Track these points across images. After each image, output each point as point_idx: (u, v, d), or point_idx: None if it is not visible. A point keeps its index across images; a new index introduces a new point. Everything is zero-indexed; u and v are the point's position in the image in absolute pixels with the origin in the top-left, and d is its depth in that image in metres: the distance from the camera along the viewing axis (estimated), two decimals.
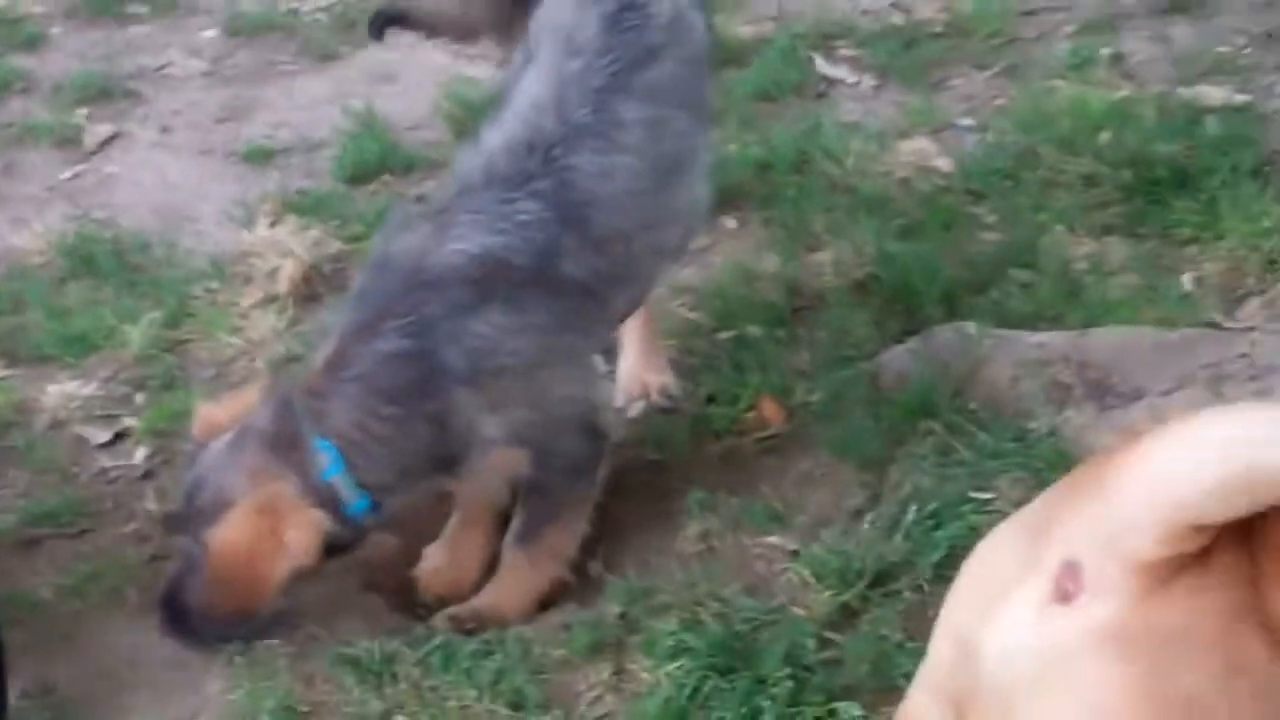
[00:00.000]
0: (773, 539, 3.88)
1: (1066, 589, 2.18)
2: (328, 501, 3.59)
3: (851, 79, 5.56)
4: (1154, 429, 2.14)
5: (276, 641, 3.74)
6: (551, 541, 3.88)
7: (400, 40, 5.86)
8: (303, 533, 3.54)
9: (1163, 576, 2.12)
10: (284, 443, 3.59)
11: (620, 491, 3.94)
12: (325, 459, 3.57)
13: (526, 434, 3.75)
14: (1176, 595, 2.13)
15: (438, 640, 3.69)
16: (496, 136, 3.85)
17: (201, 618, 3.63)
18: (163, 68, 5.97)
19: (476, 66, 5.78)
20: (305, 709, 3.59)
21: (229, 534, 3.52)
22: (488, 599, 3.82)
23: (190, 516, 3.61)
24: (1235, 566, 2.14)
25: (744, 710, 3.40)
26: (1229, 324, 4.37)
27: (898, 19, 5.82)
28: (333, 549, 3.62)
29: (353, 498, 3.60)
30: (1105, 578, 2.15)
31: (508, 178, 3.74)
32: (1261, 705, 2.17)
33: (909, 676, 3.43)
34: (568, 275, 3.76)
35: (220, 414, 3.72)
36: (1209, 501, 2.05)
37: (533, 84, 3.90)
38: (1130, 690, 2.16)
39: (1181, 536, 2.08)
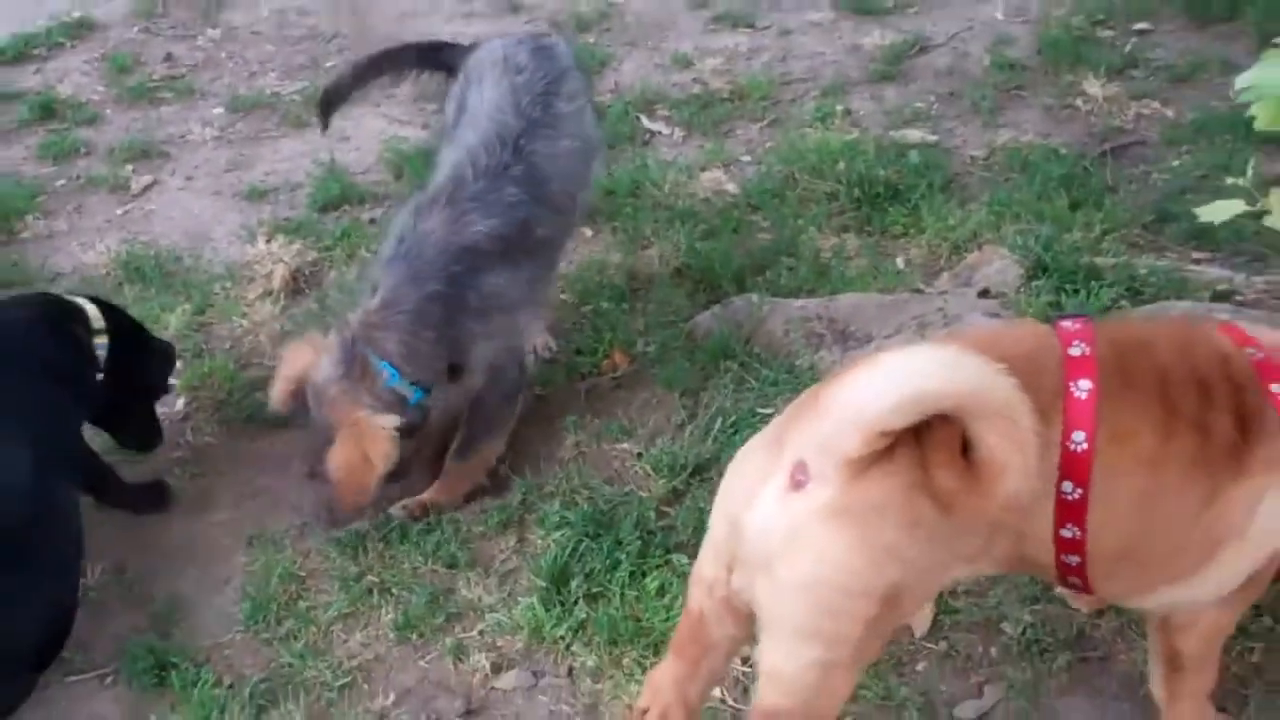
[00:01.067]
0: (624, 445, 3.91)
1: (799, 480, 2.29)
2: (393, 403, 3.58)
3: (666, 131, 5.58)
4: (854, 364, 2.26)
5: (282, 528, 3.73)
6: (483, 453, 3.85)
7: (351, 112, 5.86)
8: (381, 444, 3.52)
9: (863, 467, 2.24)
10: (355, 373, 3.57)
11: (520, 417, 3.92)
12: (385, 374, 3.56)
13: (495, 360, 3.76)
14: (873, 479, 2.25)
15: (395, 524, 3.69)
16: (472, 135, 3.87)
17: (332, 512, 3.64)
18: (185, 135, 5.89)
19: (407, 129, 5.76)
20: (303, 574, 3.59)
21: (336, 460, 3.51)
22: (432, 494, 3.79)
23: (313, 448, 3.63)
24: (911, 457, 2.25)
25: (608, 561, 3.43)
26: (928, 290, 4.42)
27: (697, 89, 5.82)
28: (410, 430, 3.63)
29: (410, 393, 3.60)
30: (824, 471, 2.27)
31: (489, 169, 3.76)
32: (935, 546, 2.35)
33: None
34: (539, 237, 3.83)
35: (305, 350, 3.70)
36: (892, 414, 2.18)
37: (490, 93, 3.96)
38: (847, 545, 2.29)
39: (873, 439, 2.20)
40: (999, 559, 2.55)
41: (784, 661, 2.41)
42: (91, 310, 3.70)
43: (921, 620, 3.27)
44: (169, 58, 6.61)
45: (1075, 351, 2.45)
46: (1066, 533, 2.45)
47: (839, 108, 5.57)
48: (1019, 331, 2.80)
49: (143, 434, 3.93)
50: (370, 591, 3.50)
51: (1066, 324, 2.54)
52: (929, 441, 2.24)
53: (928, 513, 2.29)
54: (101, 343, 3.66)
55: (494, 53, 4.11)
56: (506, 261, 3.71)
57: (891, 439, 2.20)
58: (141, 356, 3.82)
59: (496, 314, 3.71)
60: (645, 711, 2.75)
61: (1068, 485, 2.40)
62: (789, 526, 2.30)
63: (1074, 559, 2.50)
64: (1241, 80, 2.91)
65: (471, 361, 3.69)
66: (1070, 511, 2.42)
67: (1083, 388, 2.40)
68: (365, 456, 3.52)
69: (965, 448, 2.22)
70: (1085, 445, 2.38)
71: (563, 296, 4.52)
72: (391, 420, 3.55)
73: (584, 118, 4.10)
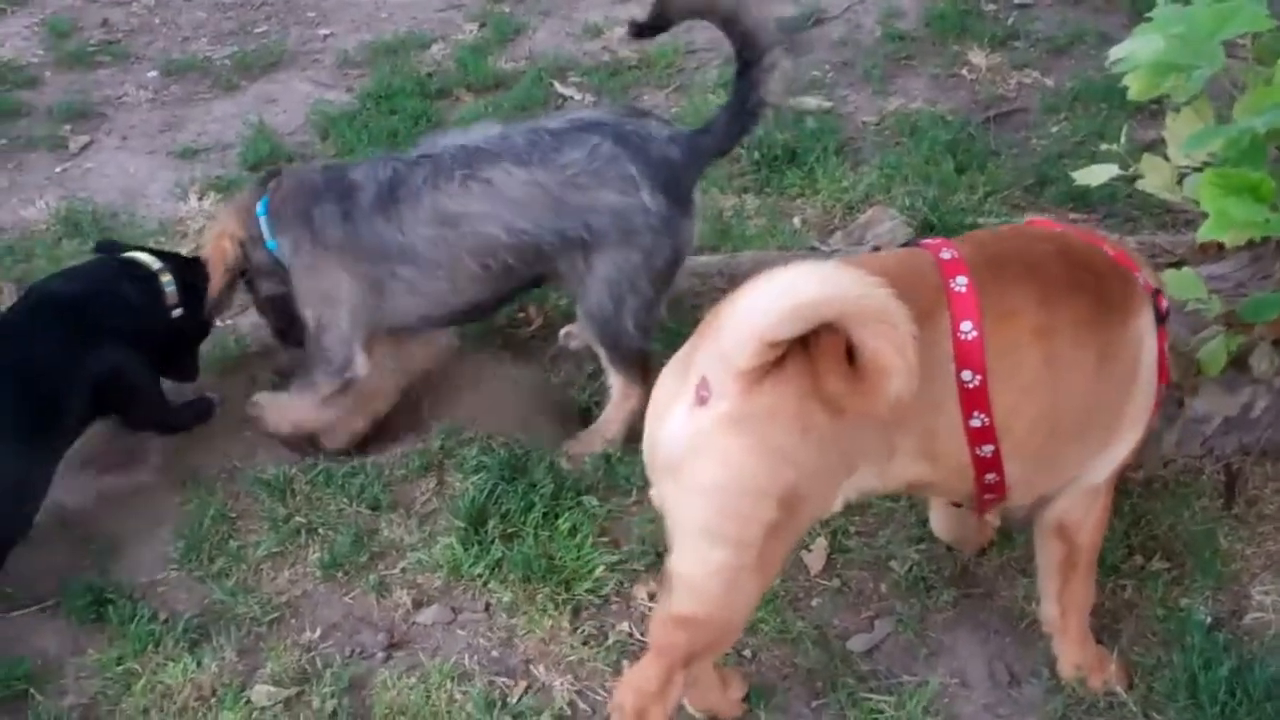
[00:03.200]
0: None
1: (703, 396, 2.33)
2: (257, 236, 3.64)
3: (578, 96, 5.51)
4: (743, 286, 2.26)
5: (214, 472, 3.66)
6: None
7: (278, 76, 5.78)
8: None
9: (757, 378, 2.27)
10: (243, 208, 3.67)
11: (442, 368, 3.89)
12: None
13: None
14: (766, 389, 2.28)
15: (320, 467, 3.63)
16: None
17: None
18: (121, 97, 5.76)
19: (333, 92, 5.66)
20: (234, 515, 3.54)
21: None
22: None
23: None
24: (801, 366, 2.28)
25: (522, 504, 3.41)
26: (823, 247, 4.41)
27: (606, 57, 5.75)
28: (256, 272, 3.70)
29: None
30: (722, 384, 2.30)
31: None
32: (827, 450, 2.39)
33: (628, 478, 3.48)
34: None
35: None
36: (777, 325, 2.20)
37: None
38: (745, 449, 2.33)
39: (764, 351, 2.23)
40: (909, 471, 2.57)
41: (692, 566, 2.43)
42: (144, 257, 3.77)
43: (816, 557, 3.27)
44: (105, 23, 6.45)
45: (946, 255, 2.53)
46: (975, 422, 2.50)
47: None
48: (891, 252, 2.84)
49: (188, 368, 3.89)
50: (298, 532, 3.45)
51: (929, 241, 2.63)
52: (816, 351, 2.26)
53: (819, 418, 2.32)
54: (168, 281, 3.71)
55: None
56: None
57: (781, 350, 2.23)
58: (202, 293, 3.76)
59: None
60: None
61: (967, 374, 2.45)
62: (692, 437, 2.34)
63: (988, 449, 2.53)
64: (1115, 51, 2.92)
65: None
66: (974, 399, 2.47)
67: (960, 283, 2.48)
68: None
69: (851, 356, 2.24)
70: (974, 332, 2.45)
71: None
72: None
73: None
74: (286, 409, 3.71)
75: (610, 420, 3.65)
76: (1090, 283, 2.58)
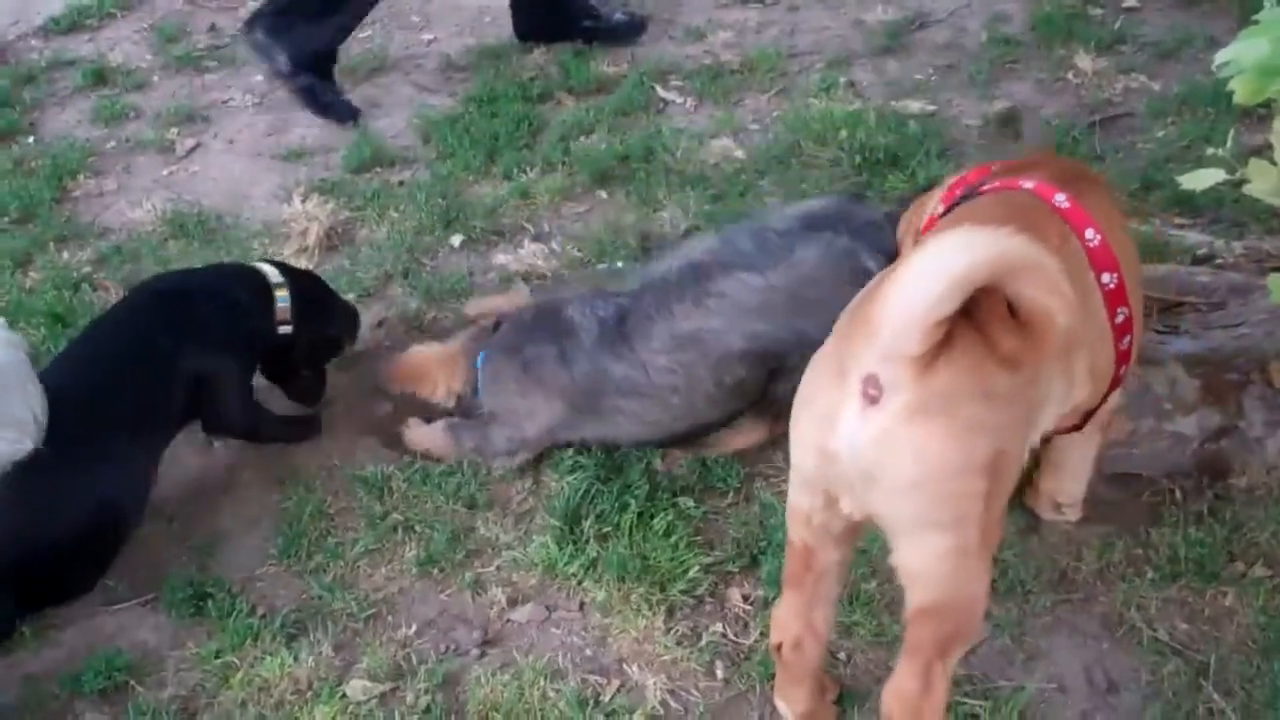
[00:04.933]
0: None
1: (872, 395, 2.29)
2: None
3: (679, 100, 5.51)
4: (878, 284, 2.28)
5: (313, 469, 3.73)
6: None
7: (381, 80, 5.85)
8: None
9: (929, 362, 2.25)
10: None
11: None
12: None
13: None
14: (940, 369, 2.27)
15: (417, 465, 3.69)
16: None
17: None
18: (228, 101, 5.85)
19: (436, 97, 5.72)
20: (332, 512, 3.60)
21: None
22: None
23: None
24: (967, 334, 2.28)
25: (617, 504, 3.44)
26: None
27: (708, 61, 5.76)
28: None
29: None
30: (895, 377, 2.27)
31: None
32: (1011, 409, 2.41)
33: (724, 480, 3.50)
34: None
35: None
36: (940, 303, 2.17)
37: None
38: (938, 434, 2.30)
39: (933, 332, 2.20)
40: (1081, 394, 2.75)
41: (921, 559, 2.42)
42: (268, 269, 3.83)
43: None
44: (213, 28, 6.55)
45: (1028, 184, 2.79)
46: (1119, 317, 2.72)
47: (842, 79, 5.50)
48: (986, 200, 2.88)
49: (310, 388, 3.97)
50: (395, 529, 3.51)
51: (993, 184, 2.88)
52: (980, 316, 2.27)
53: (999, 379, 2.32)
54: (283, 296, 3.76)
55: None
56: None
57: (946, 327, 2.22)
58: (321, 313, 3.87)
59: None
60: (780, 646, 2.77)
61: (1106, 276, 2.68)
62: (877, 438, 2.31)
63: (1126, 341, 2.76)
64: (1221, 56, 2.87)
65: None
66: (1116, 297, 2.70)
67: (1061, 199, 2.73)
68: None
69: (1010, 309, 2.29)
70: (1097, 237, 2.68)
71: (576, 254, 4.50)
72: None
73: None
74: (429, 440, 3.78)
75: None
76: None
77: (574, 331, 3.57)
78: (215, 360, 3.59)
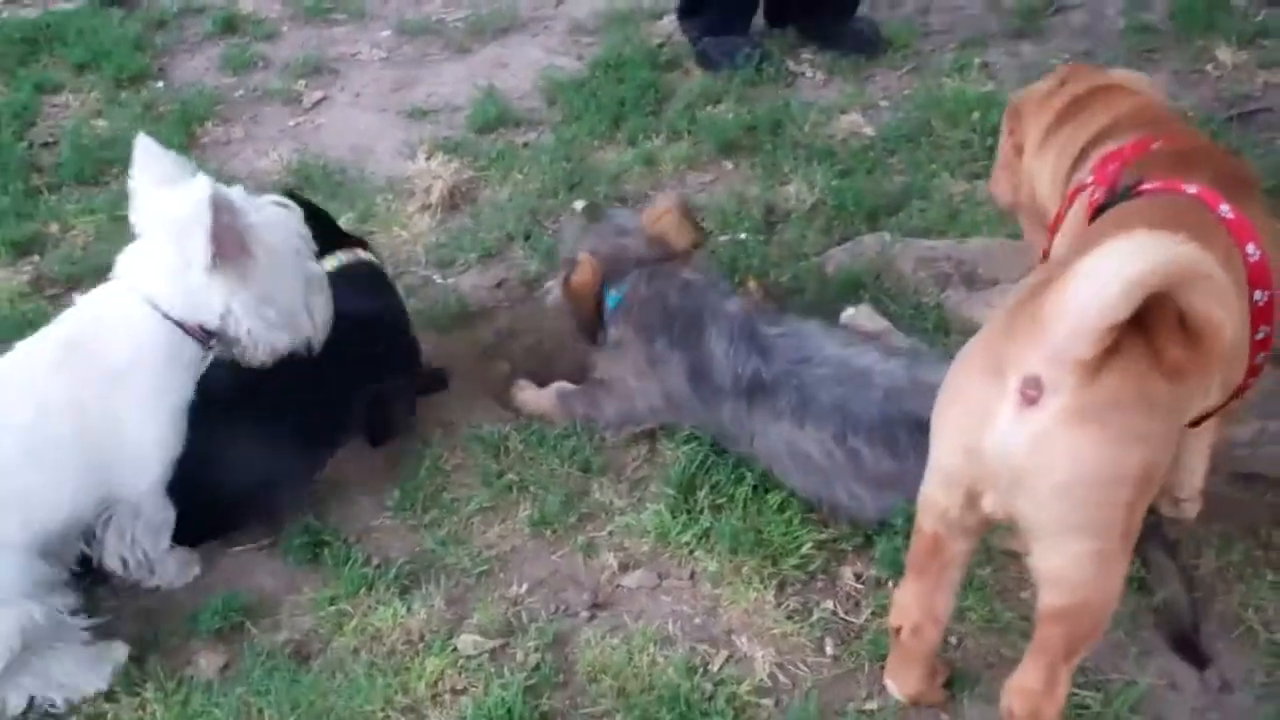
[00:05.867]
0: None
1: (1031, 396, 2.29)
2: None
3: (809, 74, 5.53)
4: (1061, 275, 2.23)
5: (431, 426, 3.79)
6: None
7: (509, 40, 5.91)
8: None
9: (1096, 367, 2.24)
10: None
11: None
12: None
13: None
14: (1107, 376, 2.26)
15: (534, 427, 3.75)
16: None
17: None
18: (355, 54, 5.95)
19: (562, 59, 5.78)
20: (449, 468, 3.66)
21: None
22: None
23: None
24: (1135, 343, 2.27)
25: (733, 476, 3.47)
26: None
27: None
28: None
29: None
30: (1058, 379, 2.26)
31: None
32: (1171, 417, 2.44)
33: None
34: None
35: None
36: (1115, 308, 2.16)
37: None
38: (1096, 440, 2.30)
39: (1104, 336, 2.20)
40: (1209, 402, 2.77)
41: (1062, 562, 2.42)
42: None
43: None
44: None
45: (1192, 189, 2.76)
46: (1260, 334, 2.73)
47: (976, 60, 5.50)
48: (1151, 202, 2.83)
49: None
50: (509, 489, 3.56)
51: (1152, 185, 2.82)
52: (1151, 323, 2.26)
53: (1161, 390, 2.32)
54: None
55: None
56: None
57: (1118, 331, 2.21)
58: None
59: None
60: (899, 630, 2.80)
61: (1258, 294, 2.67)
62: (1033, 439, 2.31)
63: (1261, 357, 2.77)
64: None
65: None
66: (1263, 314, 2.69)
67: (1226, 210, 2.71)
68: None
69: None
70: (1258, 253, 2.67)
71: (704, 225, 4.52)
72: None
73: None
74: (539, 402, 3.83)
75: None
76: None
77: (708, 366, 3.52)
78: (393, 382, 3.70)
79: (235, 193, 3.07)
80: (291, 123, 5.45)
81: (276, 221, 3.17)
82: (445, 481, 3.61)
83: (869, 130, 5.10)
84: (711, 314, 3.56)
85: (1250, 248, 2.67)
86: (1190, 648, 3.06)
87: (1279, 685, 2.97)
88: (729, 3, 5.59)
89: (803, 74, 5.53)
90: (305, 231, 3.26)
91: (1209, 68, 5.38)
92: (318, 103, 5.59)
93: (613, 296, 3.72)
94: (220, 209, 2.94)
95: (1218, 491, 3.35)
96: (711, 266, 4.04)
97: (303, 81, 5.72)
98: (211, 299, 3.05)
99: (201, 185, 2.93)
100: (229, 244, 2.98)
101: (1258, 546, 3.28)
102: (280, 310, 3.16)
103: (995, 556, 3.19)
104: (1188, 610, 3.12)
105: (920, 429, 3.15)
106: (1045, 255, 3.20)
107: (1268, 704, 2.92)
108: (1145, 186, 2.79)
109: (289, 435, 3.36)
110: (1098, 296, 2.18)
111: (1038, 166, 3.41)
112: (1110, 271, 2.16)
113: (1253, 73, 5.32)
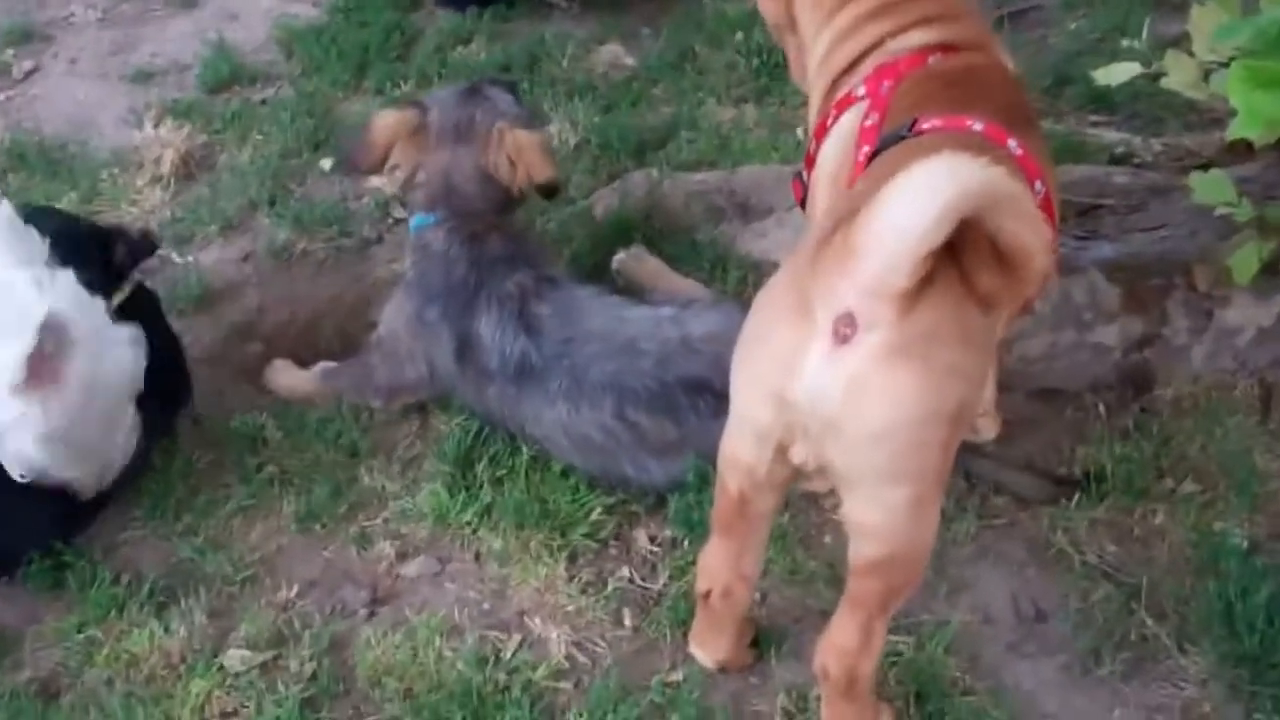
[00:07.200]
0: None
1: (844, 334, 2.18)
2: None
3: (564, 5, 5.40)
4: (865, 198, 2.15)
5: (179, 421, 3.59)
6: None
7: None
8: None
9: (914, 299, 2.16)
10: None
11: None
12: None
13: None
14: (923, 307, 2.18)
15: (293, 412, 3.60)
16: None
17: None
18: (68, 17, 5.66)
19: (298, 5, 5.56)
20: (202, 466, 3.48)
21: None
22: None
23: None
24: (947, 272, 2.20)
25: (512, 445, 3.39)
26: None
27: None
28: None
29: None
30: (874, 314, 2.17)
31: None
32: (984, 349, 2.42)
33: None
34: None
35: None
36: (933, 231, 2.08)
37: None
38: (915, 377, 2.21)
39: (923, 264, 2.12)
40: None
41: (878, 512, 2.36)
42: None
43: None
44: None
45: (977, 126, 2.66)
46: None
47: None
48: (940, 136, 2.71)
49: None
50: (271, 483, 3.41)
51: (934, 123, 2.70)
52: (963, 248, 2.19)
53: (976, 320, 2.28)
54: None
55: None
56: None
57: (933, 261, 2.13)
58: None
59: None
60: (708, 594, 2.72)
61: (1038, 185, 2.64)
62: (847, 381, 2.21)
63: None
64: None
65: None
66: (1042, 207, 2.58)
67: (1013, 145, 2.66)
68: None
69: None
70: (1043, 190, 2.67)
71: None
72: None
73: None
74: (298, 383, 3.71)
75: None
76: None
77: (476, 346, 3.41)
78: None
79: (85, 317, 3.04)
80: (1, 97, 5.15)
81: (114, 366, 3.13)
82: (199, 482, 3.43)
83: (630, 60, 5.02)
84: (488, 293, 3.44)
85: (1037, 184, 2.64)
86: (1051, 480, 3.21)
87: (1094, 610, 2.98)
88: None
89: (557, 5, 5.40)
90: (139, 373, 3.20)
91: None
92: (29, 73, 5.29)
93: (419, 219, 3.60)
94: (49, 336, 2.89)
95: (1016, 410, 3.36)
96: (531, 229, 3.93)
97: (10, 51, 5.40)
98: None
99: (38, 305, 2.89)
100: (43, 373, 2.92)
101: (1061, 464, 3.29)
102: (72, 450, 3.08)
103: (794, 501, 3.13)
104: (1021, 471, 3.26)
105: (697, 389, 3.14)
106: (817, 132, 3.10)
107: (1084, 632, 2.92)
108: (926, 125, 2.68)
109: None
110: (914, 221, 2.09)
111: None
112: (925, 194, 2.08)
113: None
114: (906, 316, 2.17)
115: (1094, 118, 4.44)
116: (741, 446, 2.46)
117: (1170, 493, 3.21)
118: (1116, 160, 4.10)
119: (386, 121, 3.62)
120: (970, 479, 3.22)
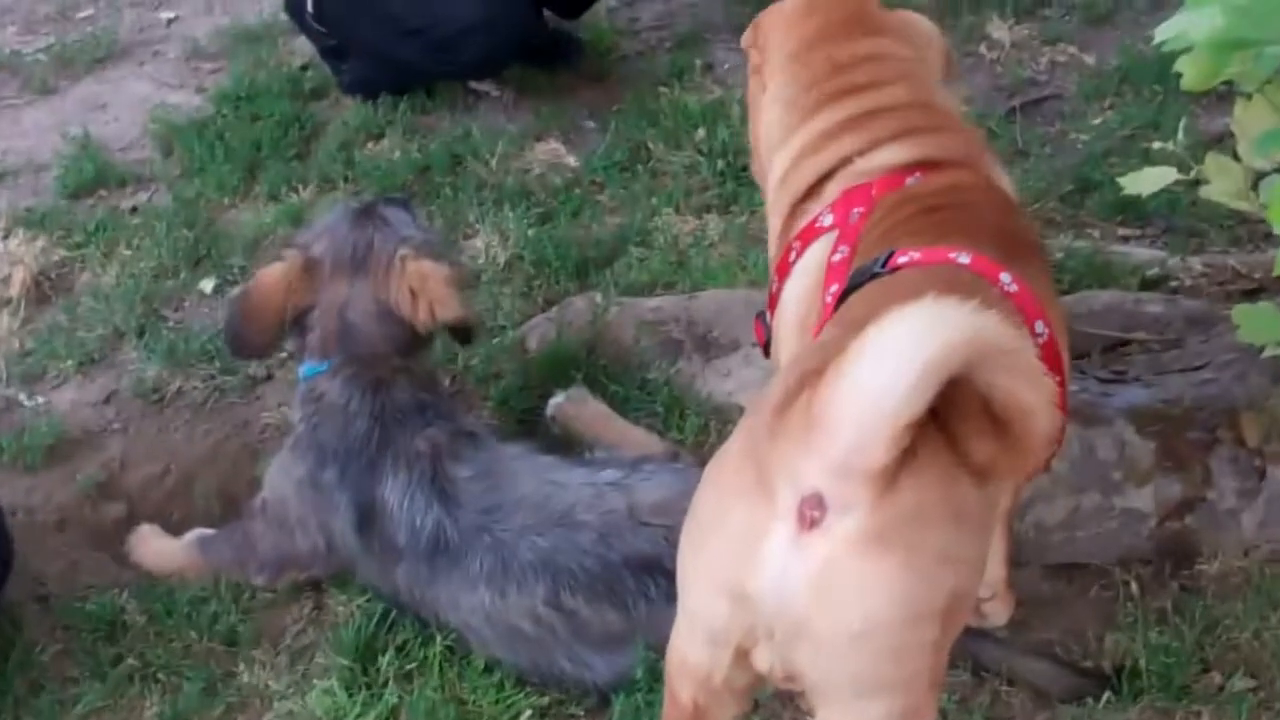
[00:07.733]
0: None
1: (812, 517, 2.13)
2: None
3: (495, 92, 5.49)
4: (831, 351, 2.12)
5: (21, 599, 3.58)
6: None
7: (109, 74, 5.74)
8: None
9: (893, 474, 2.11)
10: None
11: None
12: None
13: None
14: (904, 485, 2.13)
15: (160, 589, 3.58)
16: None
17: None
18: None
19: (178, 94, 5.63)
20: (46, 657, 3.46)
21: None
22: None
23: None
24: (934, 440, 2.16)
25: (423, 633, 3.37)
26: None
27: None
28: None
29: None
30: (846, 494, 2.12)
31: None
32: (981, 526, 2.36)
33: None
34: None
35: None
36: (915, 397, 2.04)
37: None
38: (897, 569, 2.16)
39: (902, 435, 2.07)
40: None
41: None
42: None
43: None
44: None
45: (964, 259, 2.65)
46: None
47: (698, 62, 5.51)
48: (925, 271, 2.73)
49: None
50: (130, 678, 3.39)
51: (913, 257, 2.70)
52: (951, 412, 2.15)
53: (969, 495, 2.24)
54: None
55: None
56: None
57: (918, 429, 2.08)
58: None
59: None
60: None
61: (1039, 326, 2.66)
62: (817, 574, 2.16)
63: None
64: (1162, 31, 2.82)
65: None
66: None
67: (1006, 279, 2.65)
68: None
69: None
70: (1046, 331, 2.67)
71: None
72: None
73: None
74: (168, 557, 3.70)
75: None
76: None
77: (380, 516, 3.42)
78: None
79: None
80: None
81: None
82: (42, 676, 3.42)
83: (572, 160, 5.09)
84: (395, 453, 3.44)
85: (1039, 325, 2.64)
86: (1075, 672, 3.20)
87: None
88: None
89: (486, 93, 5.47)
90: None
91: (982, 48, 5.51)
92: None
93: (309, 366, 3.61)
94: None
95: (1033, 589, 3.37)
96: (437, 374, 3.92)
97: None
98: None
99: None
100: None
101: (1086, 656, 3.28)
102: None
103: (765, 702, 3.13)
104: (1045, 663, 3.24)
105: (646, 569, 3.13)
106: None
107: None
108: (903, 259, 2.68)
109: None
110: (889, 384, 2.04)
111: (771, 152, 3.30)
112: (902, 350, 2.03)
113: (1035, 51, 5.47)
114: (885, 497, 2.13)
115: (1122, 232, 4.50)
116: (693, 650, 2.41)
117: (1218, 690, 3.19)
118: (1149, 284, 4.12)
119: (269, 281, 3.61)
120: (978, 670, 3.22)
